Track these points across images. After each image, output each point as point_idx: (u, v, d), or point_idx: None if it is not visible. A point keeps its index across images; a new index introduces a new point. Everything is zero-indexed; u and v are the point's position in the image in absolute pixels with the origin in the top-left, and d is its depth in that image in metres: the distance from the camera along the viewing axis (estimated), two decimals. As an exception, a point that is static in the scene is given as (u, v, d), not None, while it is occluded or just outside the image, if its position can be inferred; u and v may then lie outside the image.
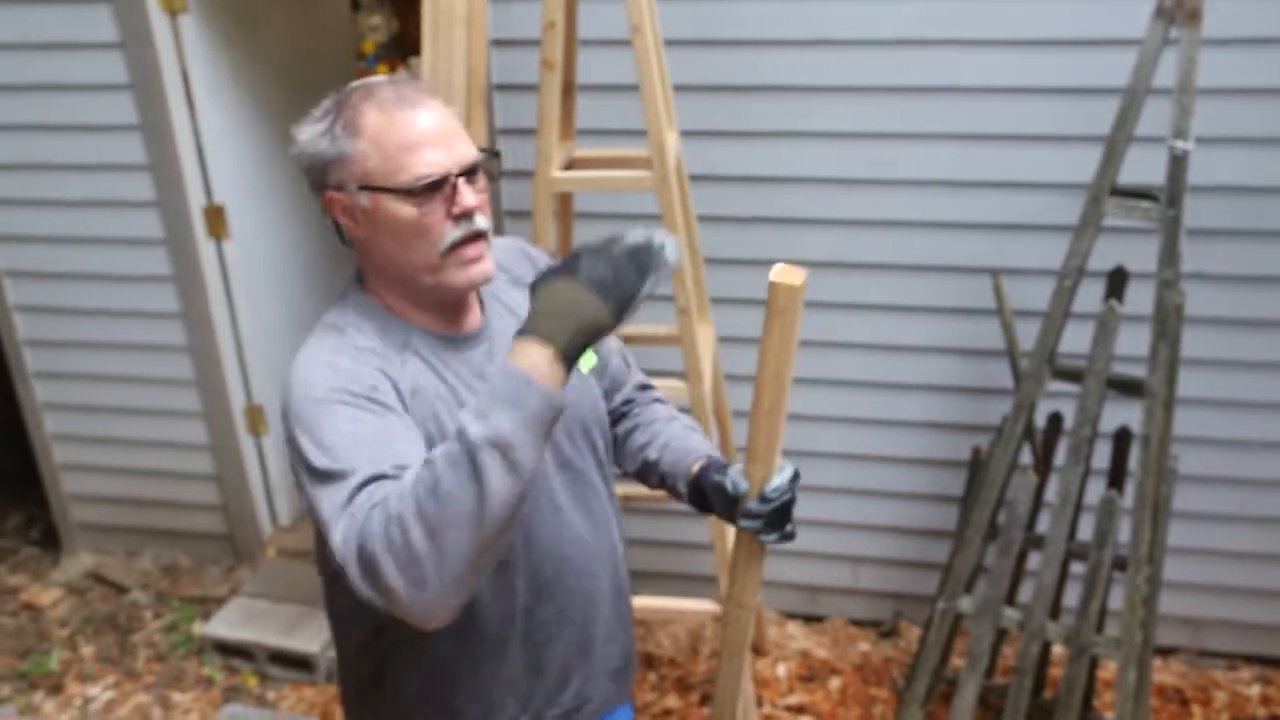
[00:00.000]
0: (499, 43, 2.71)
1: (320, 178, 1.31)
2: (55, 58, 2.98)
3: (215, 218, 3.16)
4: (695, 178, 2.68)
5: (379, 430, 1.20)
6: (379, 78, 1.34)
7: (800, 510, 3.11)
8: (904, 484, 3.00)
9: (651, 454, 1.58)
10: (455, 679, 1.43)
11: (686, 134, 2.65)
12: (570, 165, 2.48)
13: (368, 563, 1.08)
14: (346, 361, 1.26)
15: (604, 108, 2.68)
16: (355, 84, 1.34)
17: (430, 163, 1.26)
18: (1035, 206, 2.65)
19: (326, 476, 1.17)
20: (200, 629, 3.24)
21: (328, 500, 1.16)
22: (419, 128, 1.26)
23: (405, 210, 1.26)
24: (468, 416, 1.07)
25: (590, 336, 1.11)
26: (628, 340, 2.77)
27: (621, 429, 1.64)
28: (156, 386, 3.34)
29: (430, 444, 1.26)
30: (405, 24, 5.31)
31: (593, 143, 2.64)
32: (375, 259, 1.34)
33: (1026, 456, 2.64)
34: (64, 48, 2.96)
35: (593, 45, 2.58)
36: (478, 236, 1.30)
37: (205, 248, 3.17)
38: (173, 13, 2.95)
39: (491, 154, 1.34)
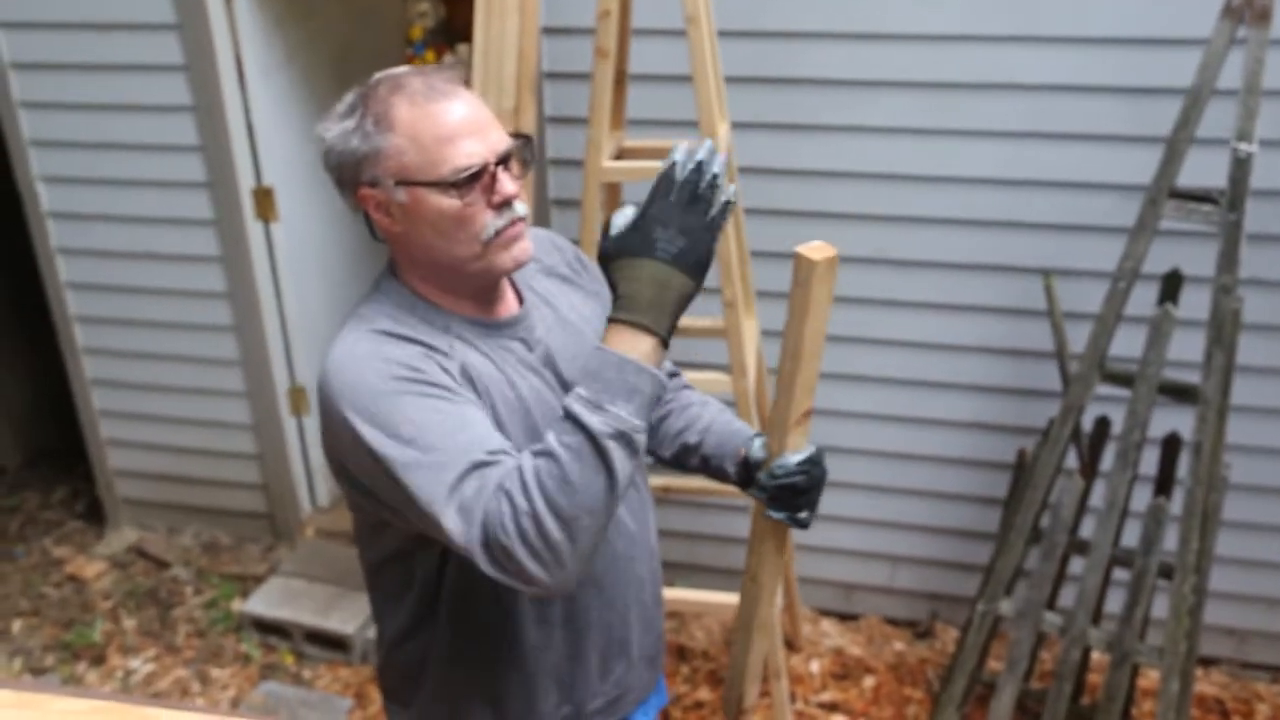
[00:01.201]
0: (550, 30, 2.70)
1: (353, 175, 1.28)
2: (113, 38, 3.02)
3: (264, 200, 3.19)
4: (744, 170, 2.67)
5: (453, 414, 1.21)
6: (403, 69, 1.31)
7: (838, 507, 3.13)
8: (945, 484, 2.97)
9: (691, 438, 1.57)
10: (498, 667, 1.44)
11: (736, 125, 2.64)
12: (620, 155, 2.47)
13: (500, 552, 1.13)
14: (395, 350, 1.25)
15: (654, 98, 2.67)
16: (379, 76, 1.30)
17: (469, 153, 1.24)
18: (1090, 207, 2.61)
19: (416, 467, 1.18)
20: (239, 606, 3.28)
21: (426, 492, 1.17)
22: (454, 118, 1.24)
23: (447, 203, 1.25)
24: (580, 408, 1.13)
25: (682, 310, 1.17)
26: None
27: (655, 415, 1.63)
28: (202, 365, 3.38)
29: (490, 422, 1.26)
30: (453, 10, 5.33)
31: (642, 133, 2.64)
32: (413, 251, 1.32)
33: (1072, 460, 2.61)
34: (122, 28, 3.00)
35: (645, 34, 2.57)
36: (518, 221, 1.30)
37: (253, 229, 3.20)
38: (228, -5, 2.97)
39: (524, 140, 1.32)
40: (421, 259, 1.32)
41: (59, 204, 3.27)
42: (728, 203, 1.20)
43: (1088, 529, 2.61)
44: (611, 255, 1.19)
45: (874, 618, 3.19)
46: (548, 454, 1.13)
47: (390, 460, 1.19)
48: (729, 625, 3.17)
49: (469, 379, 1.28)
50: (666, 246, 1.15)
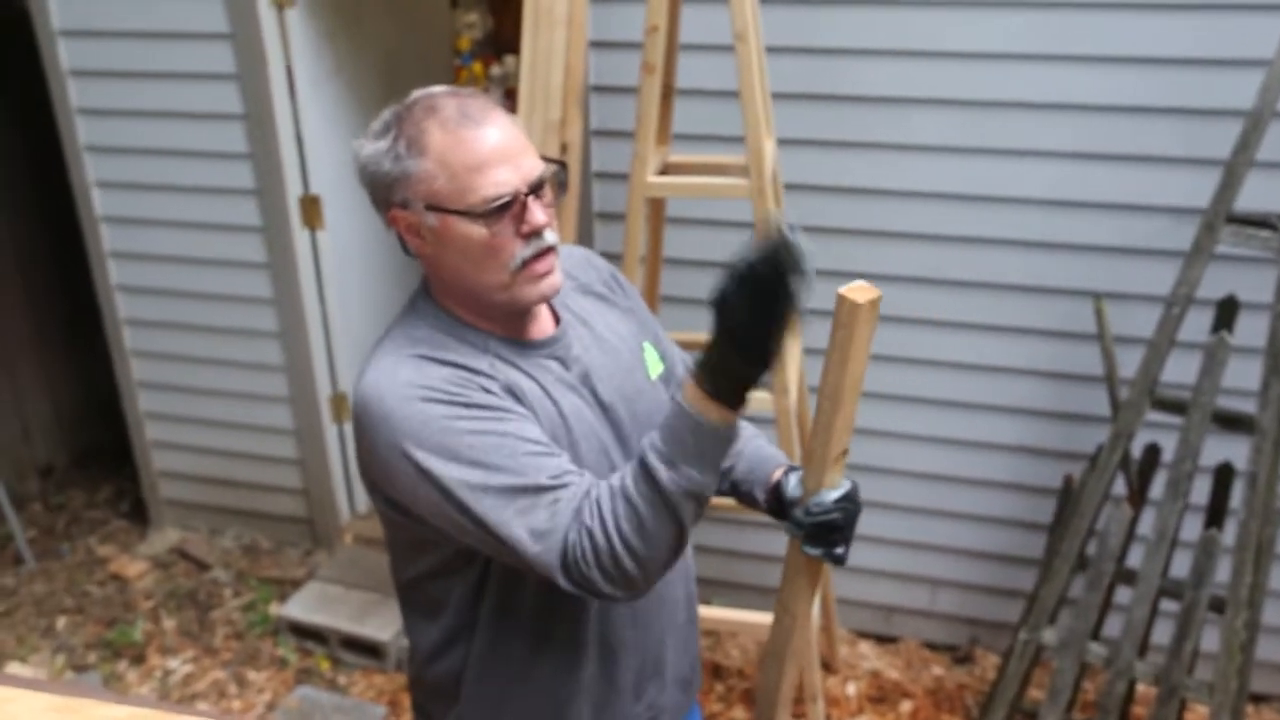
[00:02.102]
0: (598, 44, 2.71)
1: (385, 194, 1.28)
2: (168, 47, 3.07)
3: (311, 208, 3.22)
4: (790, 187, 2.65)
5: (510, 433, 1.23)
6: (440, 88, 1.30)
7: (879, 528, 3.09)
8: (988, 507, 2.93)
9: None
10: (531, 686, 1.43)
11: (783, 142, 2.62)
12: (665, 170, 2.46)
13: (580, 577, 1.20)
14: (437, 373, 1.25)
15: (701, 113, 2.66)
16: (416, 95, 1.29)
17: (499, 183, 1.23)
18: (1143, 230, 2.56)
19: (484, 492, 1.20)
20: (276, 610, 3.30)
21: (496, 515, 1.20)
22: (486, 146, 1.23)
23: (475, 231, 1.24)
24: (658, 463, 1.17)
25: (752, 387, 1.18)
26: (713, 348, 2.74)
27: None
28: (246, 370, 3.42)
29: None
30: (500, 22, 5.36)
31: (687, 148, 2.63)
32: (443, 274, 1.32)
33: (1120, 487, 2.55)
34: (177, 37, 3.05)
35: (693, 49, 2.56)
36: (548, 251, 1.29)
37: (300, 237, 3.23)
38: (280, 6, 3.01)
39: (559, 165, 1.32)
40: (452, 281, 1.32)
41: (112, 209, 3.33)
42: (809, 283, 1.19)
43: (1135, 558, 2.56)
44: (719, 327, 1.14)
45: (913, 641, 3.14)
46: (626, 499, 1.18)
47: (456, 487, 1.21)
48: (765, 643, 3.14)
49: (515, 396, 1.28)
50: (746, 342, 1.14)
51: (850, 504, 1.32)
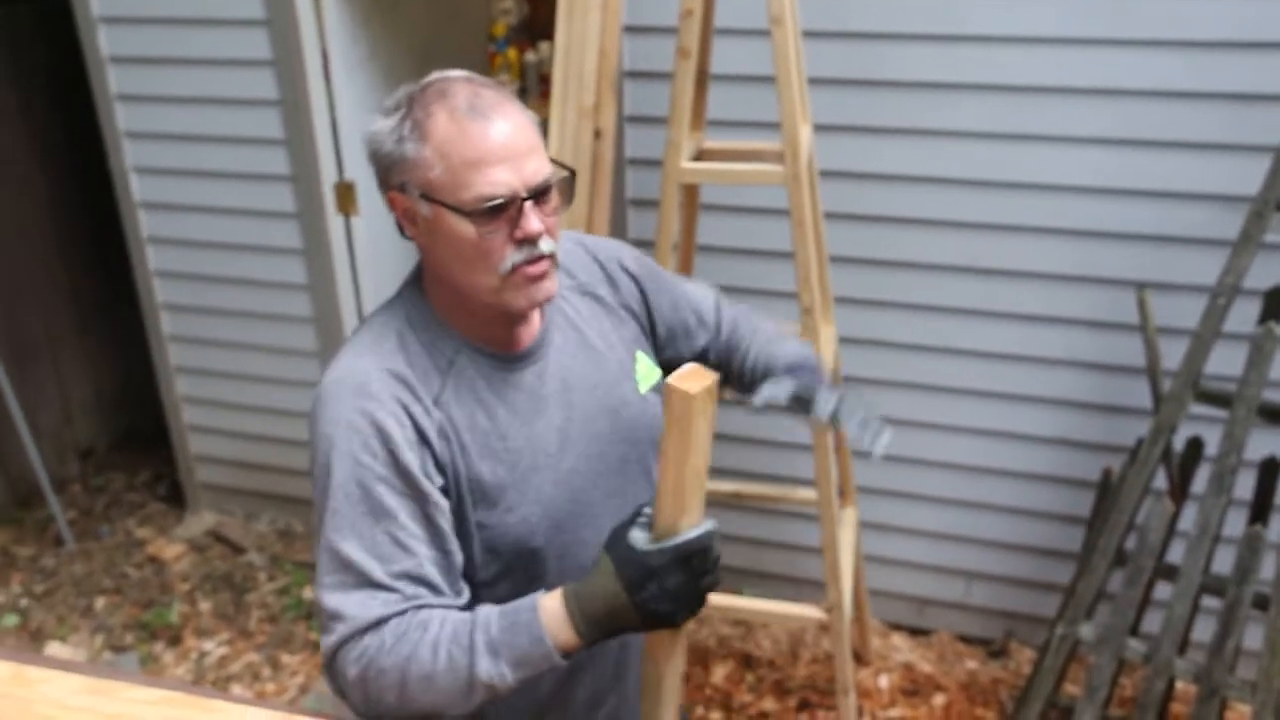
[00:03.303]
0: (632, 29, 2.68)
1: (385, 175, 1.24)
2: (206, 33, 3.08)
3: (345, 194, 3.23)
4: (825, 173, 2.61)
5: (389, 509, 1.20)
6: (459, 73, 1.25)
7: (913, 519, 3.06)
8: (1025, 500, 2.88)
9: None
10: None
11: (819, 128, 2.59)
12: (699, 156, 2.44)
13: (336, 672, 1.20)
14: (380, 411, 1.21)
15: (736, 98, 2.63)
16: (433, 77, 1.25)
17: (496, 183, 1.18)
18: (1190, 218, 2.50)
19: (331, 533, 1.20)
20: (310, 594, 3.33)
21: (322, 565, 1.21)
22: (489, 143, 1.18)
23: (466, 229, 1.19)
24: (483, 657, 1.15)
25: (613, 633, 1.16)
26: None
27: (736, 364, 1.64)
28: (281, 355, 3.44)
29: (445, 491, 1.25)
30: (536, 7, 5.36)
31: (722, 134, 2.60)
32: (435, 265, 1.28)
33: (1161, 481, 2.50)
34: (214, 24, 3.06)
35: (728, 34, 2.53)
36: (541, 260, 1.23)
37: (334, 223, 3.24)
38: (316, -9, 3.01)
39: (568, 172, 1.26)
40: (443, 275, 1.28)
41: (150, 194, 3.35)
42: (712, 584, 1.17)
43: (1175, 553, 2.50)
44: (617, 557, 1.14)
45: (946, 634, 3.11)
46: (433, 645, 1.16)
47: (321, 514, 1.22)
48: (796, 635, 3.12)
49: (445, 439, 1.24)
50: (653, 604, 1.13)
51: (702, 553, 1.17)
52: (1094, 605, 2.41)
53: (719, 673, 3.00)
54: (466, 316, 1.29)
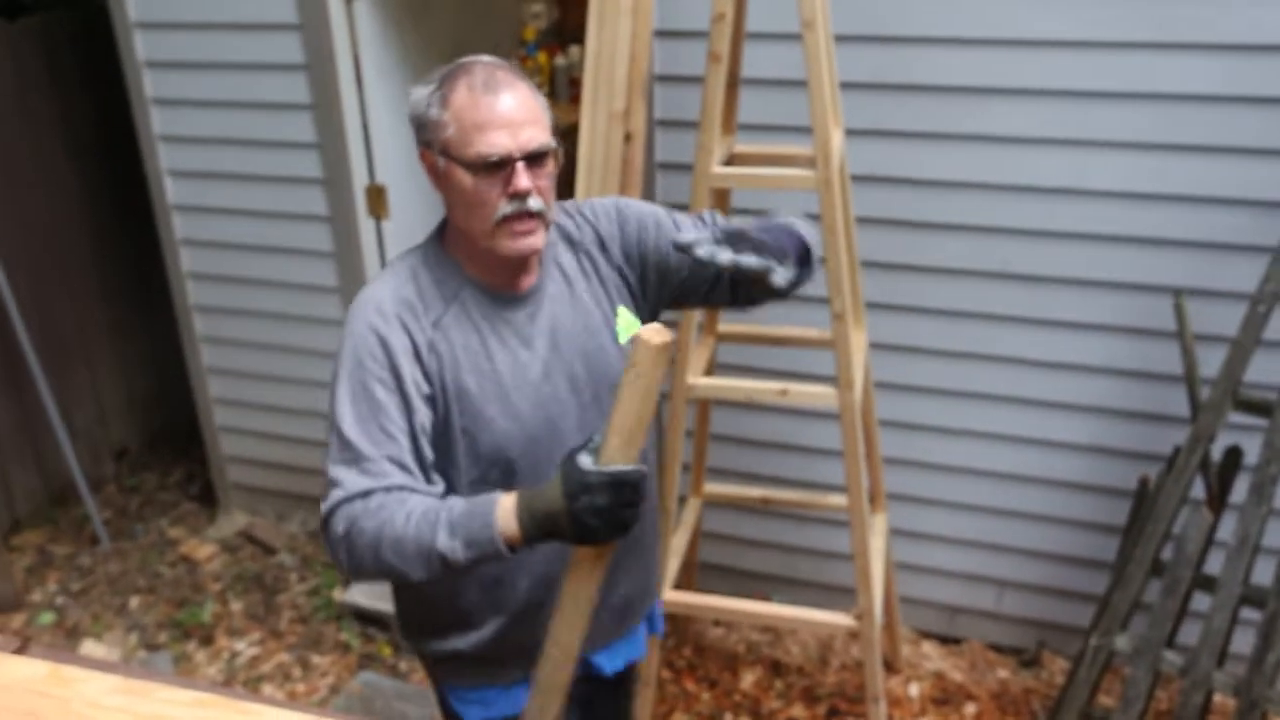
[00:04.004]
0: (663, 33, 2.68)
1: (419, 134, 1.50)
2: (239, 38, 3.11)
3: (376, 197, 3.24)
4: (857, 178, 2.59)
5: (380, 403, 1.47)
6: (487, 57, 1.50)
7: (945, 527, 3.03)
8: (1059, 508, 2.85)
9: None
10: (452, 598, 1.65)
11: (850, 132, 2.57)
12: (730, 160, 2.43)
13: (330, 537, 1.47)
14: (382, 323, 1.49)
15: (767, 102, 2.62)
16: (465, 59, 1.49)
17: (494, 144, 1.43)
18: (1227, 224, 2.46)
19: (341, 442, 1.47)
20: (340, 596, 3.35)
21: (332, 468, 1.48)
22: (493, 112, 1.43)
23: (467, 181, 1.45)
24: (442, 531, 1.39)
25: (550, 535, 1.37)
26: (777, 343, 2.71)
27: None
28: (312, 358, 3.46)
29: (431, 399, 1.50)
30: (566, 12, 5.36)
31: (752, 138, 2.59)
32: (450, 213, 1.54)
33: (1199, 490, 2.47)
34: (248, 28, 3.08)
35: (759, 38, 2.52)
36: (528, 215, 1.46)
37: (365, 226, 3.25)
38: (349, -3, 3.03)
39: (559, 142, 1.49)
40: (455, 221, 1.54)
41: (184, 197, 3.39)
42: (629, 519, 1.34)
43: (1213, 564, 2.47)
44: (564, 471, 1.33)
45: (977, 643, 3.08)
46: (406, 515, 1.40)
47: (332, 414, 1.50)
48: (825, 641, 3.11)
49: (436, 354, 1.51)
50: (581, 511, 1.32)
51: (624, 487, 1.34)
52: (1129, 616, 2.37)
53: (748, 679, 2.99)
54: (473, 261, 1.55)
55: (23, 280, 3.56)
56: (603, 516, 1.31)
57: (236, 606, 3.38)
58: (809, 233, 1.63)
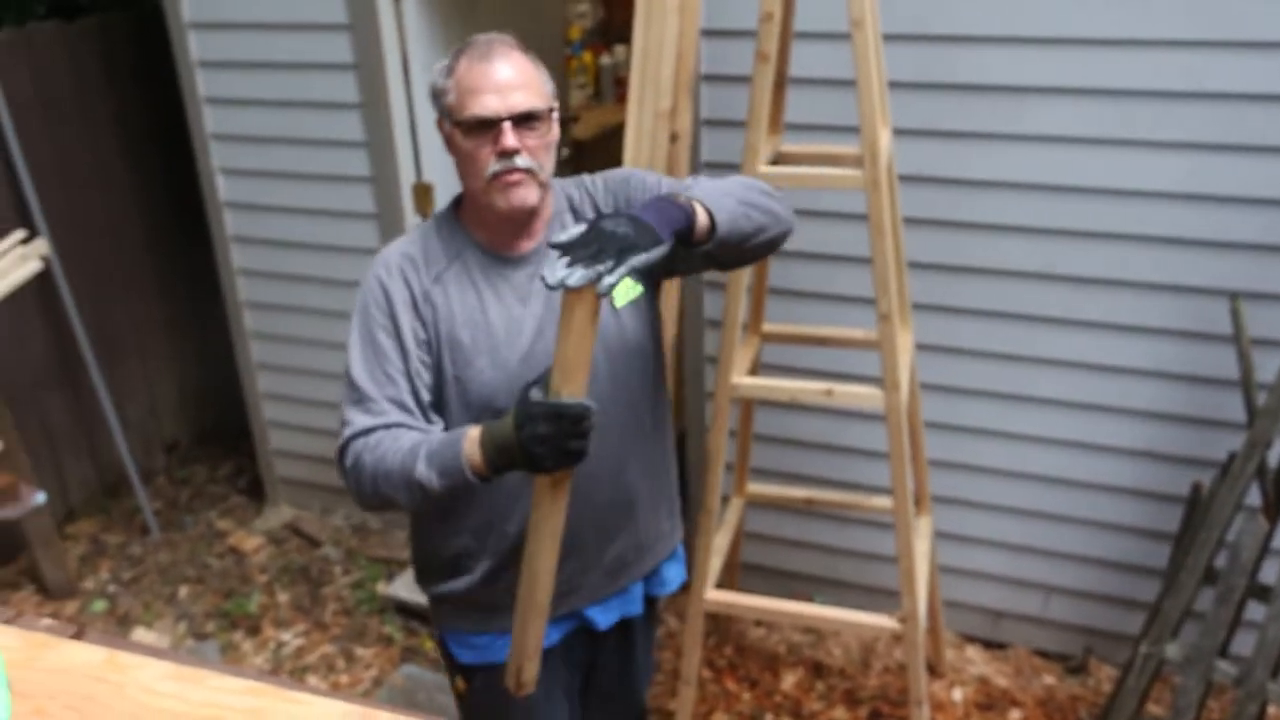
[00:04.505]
0: (710, 32, 2.67)
1: (435, 104, 1.64)
2: (290, 37, 3.15)
3: (423, 195, 3.27)
4: (904, 178, 2.57)
5: (381, 347, 1.63)
6: (494, 34, 1.63)
7: (990, 531, 2.99)
8: (1108, 513, 2.81)
9: None
10: (449, 534, 1.77)
11: (898, 132, 2.55)
12: (776, 160, 2.42)
13: (341, 469, 1.64)
14: (386, 276, 1.65)
15: (814, 102, 2.61)
16: (477, 36, 1.63)
17: (484, 106, 1.56)
18: (1285, 225, 2.41)
19: (349, 384, 1.64)
20: (384, 589, 3.38)
21: (343, 409, 1.65)
22: (486, 78, 1.56)
23: (462, 141, 1.59)
24: (421, 462, 1.53)
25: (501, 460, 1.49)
26: (822, 343, 2.70)
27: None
28: (359, 354, 3.49)
29: (428, 345, 1.64)
30: (611, 11, 5.38)
31: (799, 138, 2.58)
32: (460, 178, 1.65)
33: (1254, 497, 2.42)
34: (298, 28, 3.13)
35: (806, 37, 2.51)
36: (515, 171, 1.57)
37: (412, 223, 3.28)
38: (398, -3, 3.06)
39: (549, 109, 1.61)
40: (463, 184, 1.65)
41: (235, 195, 3.44)
42: (578, 454, 1.43)
43: (1268, 572, 2.41)
44: (517, 402, 1.44)
45: (1023, 648, 3.04)
46: (395, 449, 1.55)
47: (348, 358, 1.66)
48: (868, 644, 3.08)
49: (431, 304, 1.64)
50: (527, 440, 1.41)
51: (562, 420, 1.42)
52: (1180, 624, 2.33)
53: (789, 680, 2.97)
54: (479, 223, 1.68)
55: (79, 276, 3.64)
56: (548, 445, 1.40)
57: (283, 598, 3.43)
58: (752, 196, 1.62)
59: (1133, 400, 2.68)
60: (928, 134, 2.61)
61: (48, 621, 1.33)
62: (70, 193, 3.66)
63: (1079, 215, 2.57)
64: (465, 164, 1.61)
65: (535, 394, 1.42)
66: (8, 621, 1.30)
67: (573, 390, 1.40)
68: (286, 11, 3.12)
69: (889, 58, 2.43)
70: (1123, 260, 2.57)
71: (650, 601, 1.98)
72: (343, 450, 1.63)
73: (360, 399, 1.63)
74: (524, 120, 1.57)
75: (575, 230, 1.38)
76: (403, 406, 1.63)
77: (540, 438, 1.40)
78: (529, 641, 1.62)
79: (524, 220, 1.66)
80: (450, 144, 1.63)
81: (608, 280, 1.32)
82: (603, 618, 1.87)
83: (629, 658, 2.01)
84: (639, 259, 1.34)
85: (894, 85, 2.48)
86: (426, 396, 1.65)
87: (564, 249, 1.35)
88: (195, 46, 3.27)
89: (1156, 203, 2.50)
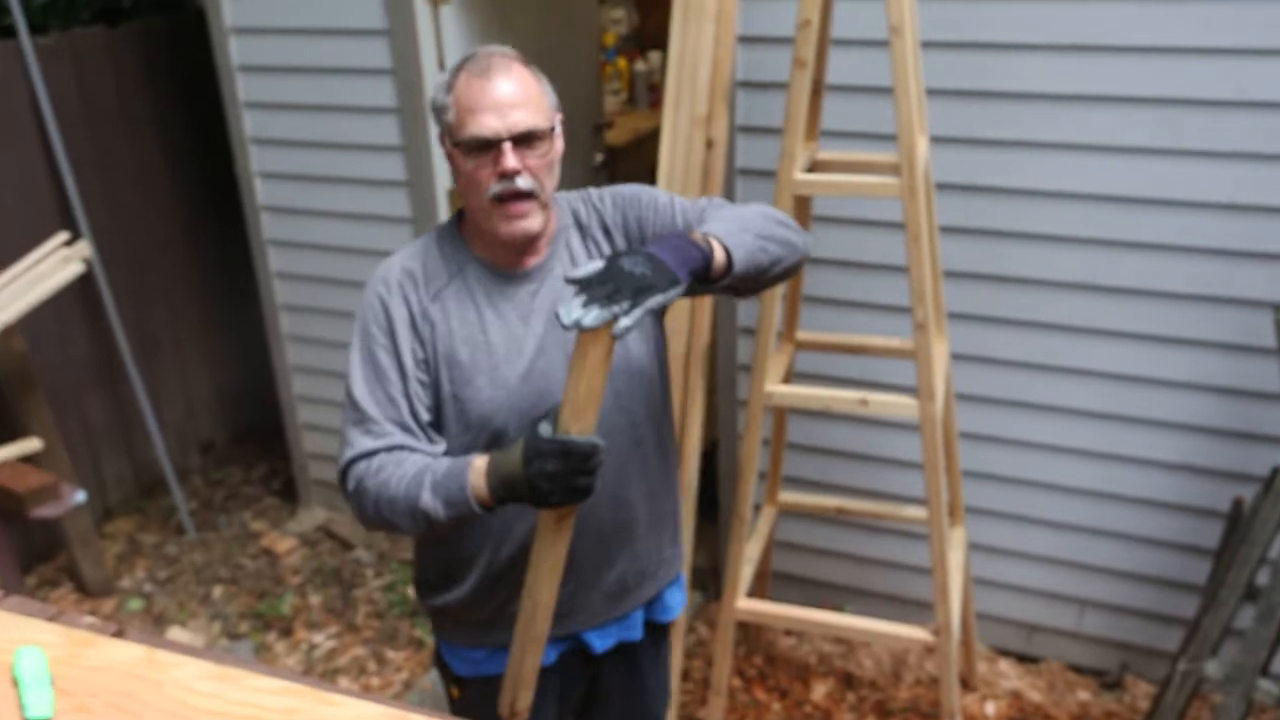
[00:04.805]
0: (746, 39, 2.67)
1: (437, 120, 1.60)
2: (329, 43, 3.18)
3: (458, 200, 3.28)
4: (941, 186, 2.56)
5: (381, 366, 1.60)
6: (495, 47, 1.59)
7: (1024, 543, 2.96)
8: (1145, 527, 2.77)
9: None
10: (451, 552, 1.75)
11: (935, 140, 2.54)
12: (813, 167, 2.42)
13: (344, 489, 1.62)
14: (385, 293, 1.61)
15: (850, 109, 2.60)
16: (476, 50, 1.59)
17: (483, 125, 1.51)
18: (1332, 237, 2.37)
19: (351, 404, 1.61)
20: (414, 593, 3.39)
21: (345, 429, 1.62)
22: (485, 96, 1.52)
23: (462, 161, 1.55)
24: (426, 491, 1.52)
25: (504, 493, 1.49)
26: (857, 351, 2.69)
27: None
28: (393, 358, 3.51)
29: (426, 364, 1.61)
30: (645, 17, 5.38)
31: (834, 145, 2.57)
32: (461, 196, 1.61)
33: (1297, 513, 2.37)
34: (338, 34, 3.16)
35: (843, 44, 2.50)
36: (517, 195, 1.54)
37: (447, 229, 3.30)
38: (435, 3, 3.08)
39: (550, 128, 1.56)
40: (466, 203, 1.62)
41: (273, 198, 3.48)
42: (585, 492, 1.44)
43: (1311, 590, 2.37)
44: (525, 437, 1.44)
45: (1056, 663, 3.01)
46: (400, 476, 1.54)
47: (348, 376, 1.63)
48: (899, 655, 3.06)
49: (429, 321, 1.61)
50: (534, 475, 1.42)
51: (571, 457, 1.42)
52: (1220, 641, 2.30)
53: (819, 690, 2.96)
54: (480, 240, 1.64)
55: (119, 278, 3.69)
56: (555, 481, 1.41)
57: (315, 600, 3.45)
58: (770, 229, 1.59)
59: (1172, 413, 2.64)
60: (965, 142, 2.59)
61: (89, 620, 1.34)
62: (111, 195, 3.71)
63: (1119, 225, 2.54)
64: (466, 184, 1.57)
65: (544, 429, 1.42)
66: (51, 619, 1.32)
67: (582, 428, 1.40)
68: (326, 17, 3.15)
69: (926, 64, 2.41)
70: (1163, 271, 2.53)
71: (656, 628, 1.94)
72: (345, 471, 1.61)
73: (362, 419, 1.60)
74: (524, 140, 1.53)
75: (592, 266, 1.37)
76: (404, 427, 1.60)
77: (548, 474, 1.41)
78: (525, 671, 1.63)
79: (525, 243, 1.63)
80: (451, 162, 1.60)
81: (624, 323, 1.31)
82: (599, 642, 1.83)
83: (634, 682, 1.96)
84: (655, 301, 1.33)
85: (931, 92, 2.46)
86: (426, 416, 1.63)
87: (581, 285, 1.35)
88: (236, 51, 3.31)
89: (1199, 213, 2.46)
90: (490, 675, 1.77)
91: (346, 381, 1.62)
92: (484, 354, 1.61)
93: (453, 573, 1.75)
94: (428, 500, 1.51)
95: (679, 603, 1.95)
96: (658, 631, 1.94)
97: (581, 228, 1.71)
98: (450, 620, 1.82)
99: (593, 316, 1.31)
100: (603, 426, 1.55)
